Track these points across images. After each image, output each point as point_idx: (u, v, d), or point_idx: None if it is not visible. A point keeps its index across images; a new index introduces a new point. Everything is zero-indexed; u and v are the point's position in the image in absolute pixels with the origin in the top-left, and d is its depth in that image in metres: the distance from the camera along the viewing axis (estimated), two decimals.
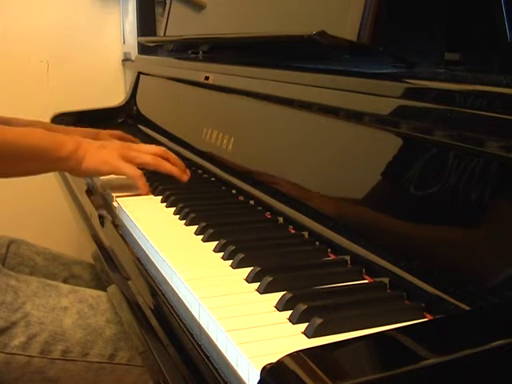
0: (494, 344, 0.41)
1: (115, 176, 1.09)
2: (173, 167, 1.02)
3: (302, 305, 0.55)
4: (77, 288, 1.01)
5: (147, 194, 0.98)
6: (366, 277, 0.65)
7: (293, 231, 0.79)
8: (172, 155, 1.04)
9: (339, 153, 0.77)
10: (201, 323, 0.59)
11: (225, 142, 1.04)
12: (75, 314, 0.94)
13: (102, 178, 1.10)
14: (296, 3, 0.95)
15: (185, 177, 1.02)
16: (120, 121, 1.69)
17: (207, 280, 0.65)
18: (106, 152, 0.99)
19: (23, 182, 1.85)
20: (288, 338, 0.53)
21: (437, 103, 0.62)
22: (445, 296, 0.55)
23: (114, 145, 1.02)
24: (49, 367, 0.92)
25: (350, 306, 0.57)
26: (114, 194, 0.99)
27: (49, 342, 0.91)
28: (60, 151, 0.97)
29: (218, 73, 1.14)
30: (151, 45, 1.66)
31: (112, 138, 1.21)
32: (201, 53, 1.42)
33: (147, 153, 1.02)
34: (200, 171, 1.12)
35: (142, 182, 0.98)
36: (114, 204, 0.97)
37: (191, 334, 0.61)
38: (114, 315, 0.96)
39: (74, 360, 0.92)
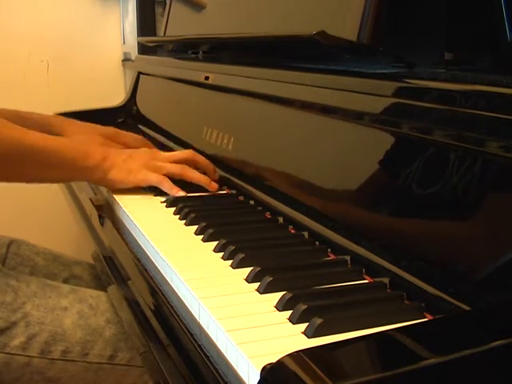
0: (493, 344, 0.41)
1: None
2: (200, 176, 1.01)
3: (302, 305, 0.55)
4: (77, 288, 1.01)
5: (177, 193, 0.97)
6: (366, 277, 0.65)
7: (293, 231, 0.79)
8: (201, 158, 1.04)
9: (339, 153, 0.77)
10: (201, 323, 0.59)
11: (225, 141, 1.04)
12: (75, 314, 0.94)
13: None
14: (296, 3, 0.95)
15: (213, 186, 1.01)
16: (120, 121, 1.69)
17: (207, 280, 0.65)
18: (132, 163, 0.99)
19: None
20: (288, 337, 0.53)
21: (437, 103, 0.62)
22: (445, 296, 0.55)
23: (140, 156, 1.01)
24: (49, 367, 0.92)
25: (350, 306, 0.57)
26: (114, 194, 0.99)
27: (49, 342, 0.91)
28: (87, 161, 0.96)
29: (217, 73, 1.14)
30: (151, 45, 1.66)
31: (133, 141, 1.20)
32: (201, 53, 1.42)
33: (173, 161, 1.02)
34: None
35: (167, 185, 0.98)
36: (114, 204, 0.97)
37: (191, 334, 0.61)
38: (114, 315, 0.96)
39: (73, 360, 0.92)
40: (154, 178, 0.98)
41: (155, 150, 1.06)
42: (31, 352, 0.91)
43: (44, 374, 0.92)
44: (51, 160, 0.95)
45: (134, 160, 0.99)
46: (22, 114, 1.16)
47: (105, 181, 0.99)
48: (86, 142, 1.08)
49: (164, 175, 0.99)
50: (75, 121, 1.24)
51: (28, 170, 0.96)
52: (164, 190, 0.98)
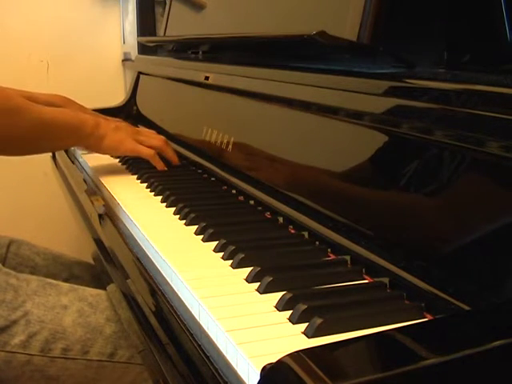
0: (493, 344, 0.41)
1: (115, 175, 1.10)
2: (174, 155, 1.15)
3: (302, 305, 0.55)
4: (76, 286, 1.01)
5: (162, 168, 1.12)
6: (366, 277, 0.65)
7: (293, 231, 0.79)
8: (170, 147, 1.17)
9: (339, 153, 0.77)
10: (201, 323, 0.59)
11: (225, 141, 1.04)
12: (75, 312, 0.94)
13: (101, 177, 1.11)
14: (296, 3, 0.95)
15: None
16: None
17: (207, 280, 0.65)
18: (121, 133, 1.10)
19: (23, 182, 1.85)
20: (288, 337, 0.53)
21: (437, 103, 0.62)
22: (445, 296, 0.55)
23: (126, 128, 1.13)
24: (49, 365, 0.92)
25: (350, 306, 0.57)
26: (114, 194, 0.99)
27: (49, 341, 0.91)
28: (85, 128, 1.06)
29: (217, 73, 1.14)
30: (151, 45, 1.66)
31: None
32: (201, 53, 1.42)
33: (153, 138, 1.15)
34: (200, 171, 1.12)
35: (156, 160, 1.12)
36: (114, 204, 0.97)
37: (191, 334, 0.61)
38: (114, 313, 0.96)
39: (74, 358, 0.92)
40: (145, 151, 1.11)
41: (136, 128, 1.19)
42: (31, 350, 0.91)
43: (44, 372, 0.92)
44: (62, 132, 1.05)
45: (121, 131, 1.11)
46: (27, 93, 1.21)
47: (100, 148, 1.09)
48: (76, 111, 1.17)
49: (147, 146, 1.12)
50: (74, 101, 1.35)
51: (44, 144, 1.06)
52: (152, 162, 1.11)
